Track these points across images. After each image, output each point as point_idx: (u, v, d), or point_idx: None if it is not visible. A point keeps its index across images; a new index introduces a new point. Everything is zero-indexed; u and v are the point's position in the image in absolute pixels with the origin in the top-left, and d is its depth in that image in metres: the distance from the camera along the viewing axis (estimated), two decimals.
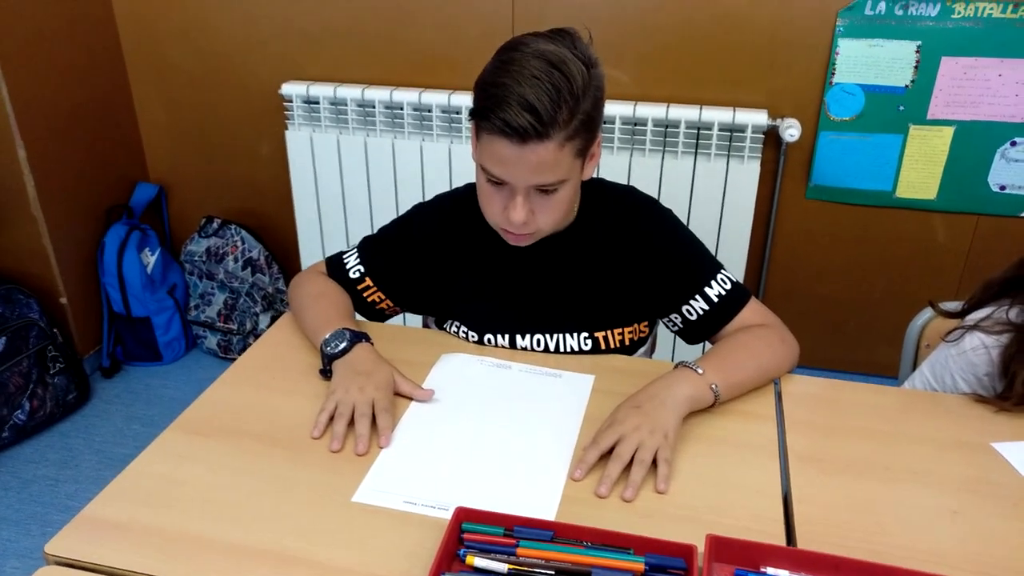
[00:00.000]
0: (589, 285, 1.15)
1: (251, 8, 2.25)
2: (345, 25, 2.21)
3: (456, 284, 1.18)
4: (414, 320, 1.39)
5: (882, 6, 1.94)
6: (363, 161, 2.27)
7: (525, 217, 1.01)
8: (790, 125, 2.02)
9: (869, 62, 2.01)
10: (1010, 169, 2.04)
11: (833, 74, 2.03)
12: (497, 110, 0.94)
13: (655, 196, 1.93)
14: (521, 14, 2.13)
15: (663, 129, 2.09)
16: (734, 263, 2.18)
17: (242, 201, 2.52)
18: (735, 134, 2.05)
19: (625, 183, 1.24)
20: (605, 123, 2.10)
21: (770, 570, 0.79)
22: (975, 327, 1.10)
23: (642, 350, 1.22)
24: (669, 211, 1.19)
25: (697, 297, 1.13)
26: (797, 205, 2.20)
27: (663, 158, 2.11)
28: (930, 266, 2.18)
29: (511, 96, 0.93)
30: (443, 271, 1.18)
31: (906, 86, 2.01)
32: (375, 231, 1.25)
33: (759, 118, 2.03)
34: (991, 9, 1.90)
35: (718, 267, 1.15)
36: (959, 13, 1.91)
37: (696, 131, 2.07)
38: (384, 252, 1.21)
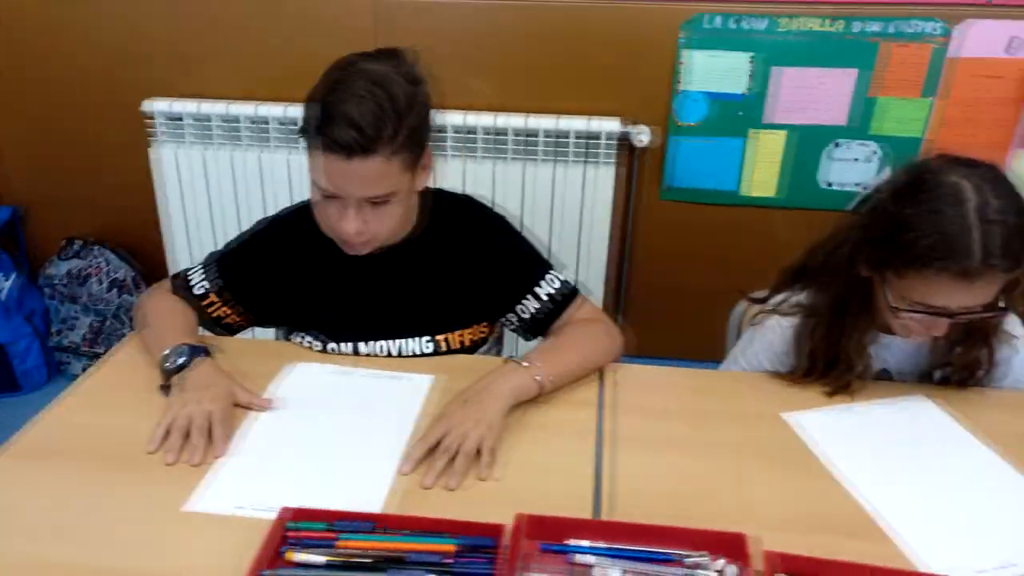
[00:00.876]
0: (428, 290, 1.21)
1: (111, 25, 2.21)
2: (208, 41, 2.21)
3: (300, 295, 1.22)
4: (265, 333, 1.41)
5: (718, 20, 2.09)
6: (230, 176, 2.27)
7: (358, 228, 1.06)
8: (641, 131, 2.15)
9: (710, 71, 2.15)
10: (835, 168, 2.23)
11: (679, 82, 2.17)
12: (324, 127, 0.99)
13: (519, 203, 2.01)
14: (384, 29, 2.18)
15: (524, 138, 2.18)
16: (596, 261, 2.30)
17: (106, 221, 2.46)
18: (591, 141, 2.16)
19: (463, 192, 1.31)
20: (470, 133, 2.18)
21: (573, 542, 0.86)
22: (773, 311, 1.22)
23: (483, 349, 1.29)
24: (502, 217, 1.26)
25: (529, 297, 1.21)
26: (653, 206, 2.33)
27: (524, 166, 2.20)
28: (773, 259, 2.35)
29: (336, 114, 0.98)
30: (287, 283, 1.21)
31: (743, 93, 2.17)
32: (220, 246, 1.27)
33: (612, 125, 2.14)
34: (813, 23, 2.08)
35: (548, 267, 1.23)
36: (785, 27, 2.08)
37: (555, 139, 2.17)
38: (229, 267, 1.23)
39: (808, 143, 2.21)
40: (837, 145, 2.20)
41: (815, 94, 2.15)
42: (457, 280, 1.21)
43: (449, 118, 2.16)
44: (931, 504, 0.94)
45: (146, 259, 2.47)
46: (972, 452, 1.03)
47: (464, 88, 2.21)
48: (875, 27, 2.06)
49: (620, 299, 2.46)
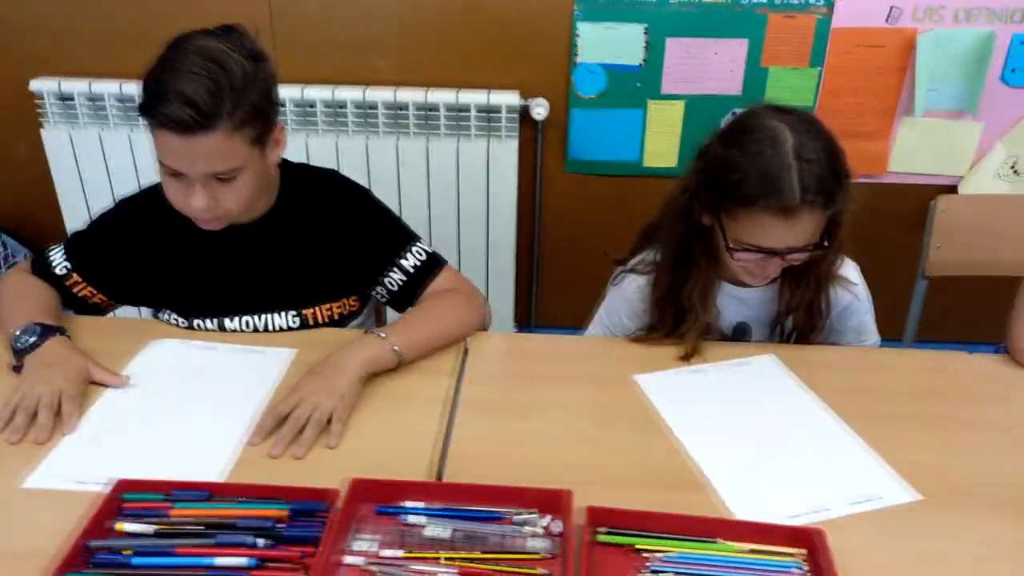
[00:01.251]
0: (292, 264, 1.22)
1: None
2: (96, 17, 2.15)
3: (163, 273, 1.22)
4: (132, 311, 1.41)
5: None
6: (129, 157, 2.23)
7: (206, 204, 1.07)
8: (539, 104, 2.17)
9: (606, 43, 2.18)
10: None
11: (576, 55, 2.19)
12: (159, 105, 0.99)
13: (424, 178, 2.01)
14: (280, 6, 2.15)
15: (425, 113, 2.18)
16: (504, 234, 2.32)
17: (2, 205, 2.40)
18: (492, 115, 2.18)
19: (330, 167, 1.31)
20: (373, 109, 2.17)
21: (410, 504, 0.89)
22: (631, 270, 1.27)
23: (356, 323, 1.31)
24: (366, 191, 1.28)
25: (394, 269, 1.23)
26: (558, 178, 2.36)
27: (427, 140, 2.20)
28: None
29: (171, 91, 0.98)
30: (150, 262, 1.21)
31: (640, 64, 2.20)
32: (84, 226, 1.26)
33: (512, 99, 2.16)
34: None
35: (413, 239, 1.25)
36: None
37: (456, 113, 2.18)
38: (91, 246, 1.22)
39: (705, 113, 2.25)
40: (733, 115, 2.25)
41: (709, 64, 2.20)
42: (320, 254, 1.22)
43: (349, 94, 2.16)
44: (757, 457, 0.99)
45: (45, 242, 2.41)
46: (805, 408, 1.09)
47: (364, 64, 2.21)
48: None
49: (533, 271, 2.50)
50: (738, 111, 2.23)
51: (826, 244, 1.11)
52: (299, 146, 2.20)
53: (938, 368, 1.18)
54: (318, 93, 2.16)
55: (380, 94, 2.16)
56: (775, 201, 1.04)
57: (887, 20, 2.11)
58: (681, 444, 1.01)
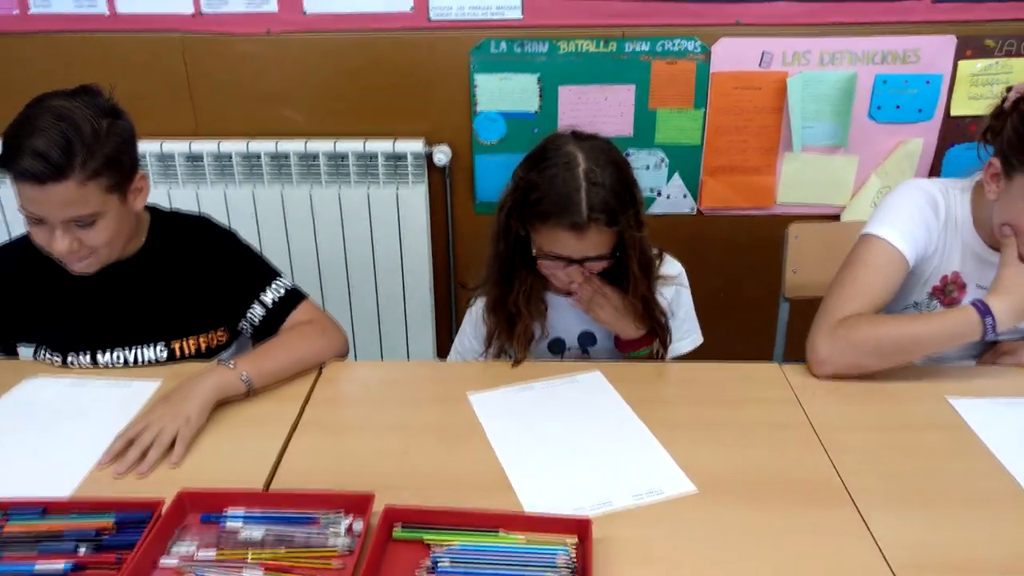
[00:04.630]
0: (160, 300, 1.33)
1: None
2: (16, 80, 2.28)
3: (37, 312, 1.32)
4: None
5: (503, 45, 2.27)
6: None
7: (67, 246, 1.18)
8: (441, 151, 2.31)
9: (503, 92, 2.33)
10: None
11: (476, 104, 2.34)
12: (15, 160, 1.11)
13: (338, 225, 2.13)
14: (194, 65, 2.29)
15: (335, 162, 2.31)
16: (419, 275, 2.44)
17: None
18: (399, 162, 2.32)
19: (198, 213, 1.43)
20: (286, 159, 2.30)
21: (231, 510, 0.99)
22: (480, 294, 1.39)
23: (226, 354, 1.41)
24: (231, 233, 1.40)
25: (256, 304, 1.34)
26: (469, 219, 2.49)
27: (339, 188, 2.33)
28: None
29: (23, 147, 1.11)
30: (24, 302, 1.32)
31: (536, 111, 2.35)
32: None
33: (416, 147, 2.30)
34: (589, 46, 2.27)
35: (273, 276, 1.37)
36: (564, 49, 2.27)
37: (365, 162, 2.31)
38: None
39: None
40: (628, 154, 2.40)
41: (601, 109, 2.35)
42: (186, 290, 1.34)
43: (263, 146, 2.29)
44: (559, 461, 1.10)
45: None
46: (616, 416, 1.20)
47: (275, 117, 2.35)
48: (644, 47, 2.26)
49: (450, 307, 2.61)
50: (631, 151, 2.39)
51: (617, 255, 1.25)
52: (217, 196, 2.33)
53: (744, 378, 1.30)
54: (233, 146, 2.29)
55: (292, 145, 2.30)
56: (567, 218, 1.19)
57: (760, 64, 2.28)
58: (494, 452, 1.11)
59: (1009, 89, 1.24)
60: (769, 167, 2.40)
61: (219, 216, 2.31)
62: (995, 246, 1.28)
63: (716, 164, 2.40)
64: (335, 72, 2.29)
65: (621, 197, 1.21)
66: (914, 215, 1.31)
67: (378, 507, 0.96)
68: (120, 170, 1.19)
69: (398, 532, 0.95)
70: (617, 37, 2.25)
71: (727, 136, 2.37)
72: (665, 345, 1.37)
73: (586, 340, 1.42)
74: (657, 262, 1.37)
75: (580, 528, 0.94)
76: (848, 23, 2.21)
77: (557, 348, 1.43)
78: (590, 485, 1.05)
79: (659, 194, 2.45)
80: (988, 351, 1.37)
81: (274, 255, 2.38)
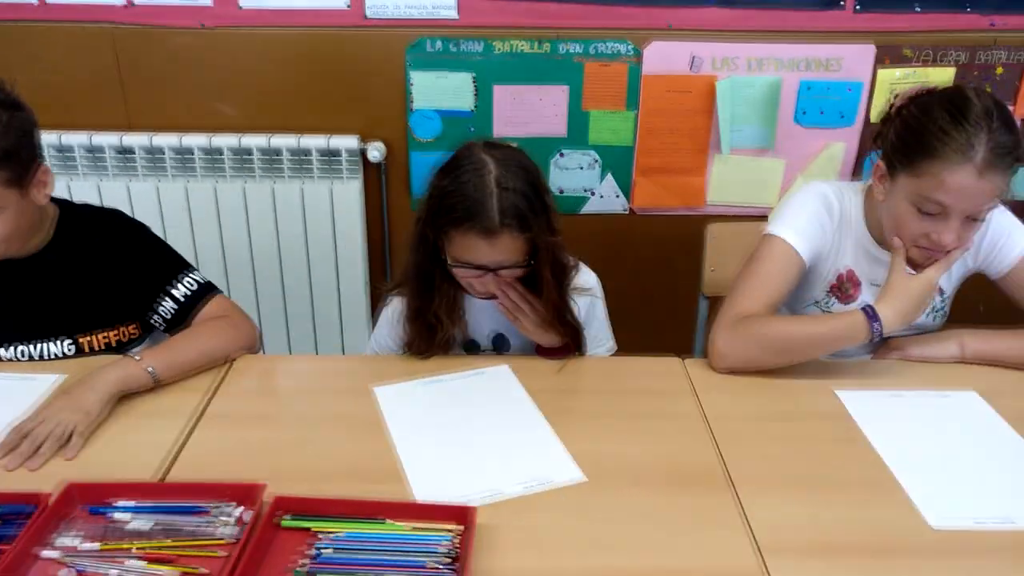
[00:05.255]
0: (66, 294, 1.33)
1: None
2: None
3: None
4: None
5: (439, 44, 2.29)
6: None
7: None
8: (375, 148, 2.32)
9: (439, 90, 2.35)
10: (563, 175, 2.46)
11: (412, 101, 2.36)
12: None
13: (272, 220, 2.11)
14: (125, 58, 2.27)
15: (269, 157, 2.31)
16: (354, 270, 2.45)
17: None
18: (333, 158, 2.32)
19: (113, 207, 1.42)
20: (219, 154, 2.29)
21: (119, 502, 0.99)
22: (397, 293, 1.41)
23: (137, 349, 1.41)
24: (141, 226, 1.39)
25: (166, 298, 1.35)
26: (405, 216, 2.50)
27: (273, 183, 2.33)
28: None
29: None
30: None
31: (471, 110, 2.37)
32: None
33: (351, 143, 2.31)
34: (523, 46, 2.30)
35: (184, 269, 1.37)
36: (499, 49, 2.30)
37: (299, 157, 2.31)
38: None
39: (535, 153, 2.40)
40: (562, 155, 2.44)
41: (535, 109, 2.38)
42: (94, 283, 1.33)
43: (196, 140, 2.27)
44: (454, 451, 1.12)
45: None
46: (518, 408, 1.23)
47: (209, 111, 2.33)
48: (577, 48, 2.30)
49: None
50: (564, 151, 2.43)
51: (531, 262, 1.27)
52: (149, 191, 2.31)
53: (647, 372, 1.34)
54: (166, 140, 2.27)
55: (226, 140, 2.29)
56: (479, 223, 1.20)
57: (690, 68, 2.33)
58: (392, 444, 1.13)
59: (896, 96, 1.29)
60: (699, 168, 2.46)
61: (151, 211, 2.31)
62: (885, 245, 1.34)
63: (648, 165, 2.44)
64: (270, 67, 2.29)
65: (532, 203, 1.24)
66: (810, 216, 1.36)
67: (272, 498, 0.97)
68: (20, 164, 1.18)
69: (286, 521, 0.97)
70: (551, 38, 2.29)
71: (659, 137, 2.41)
72: (581, 353, 1.40)
73: (499, 342, 1.44)
74: (573, 272, 1.39)
75: (463, 516, 0.96)
76: (774, 30, 2.27)
77: (471, 349, 1.45)
78: (481, 475, 1.07)
79: (592, 194, 2.49)
80: (882, 346, 1.42)
81: (207, 251, 2.39)
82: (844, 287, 1.41)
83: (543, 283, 1.30)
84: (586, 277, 1.43)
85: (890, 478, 1.08)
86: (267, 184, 2.33)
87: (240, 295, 2.45)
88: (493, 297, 1.33)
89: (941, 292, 1.43)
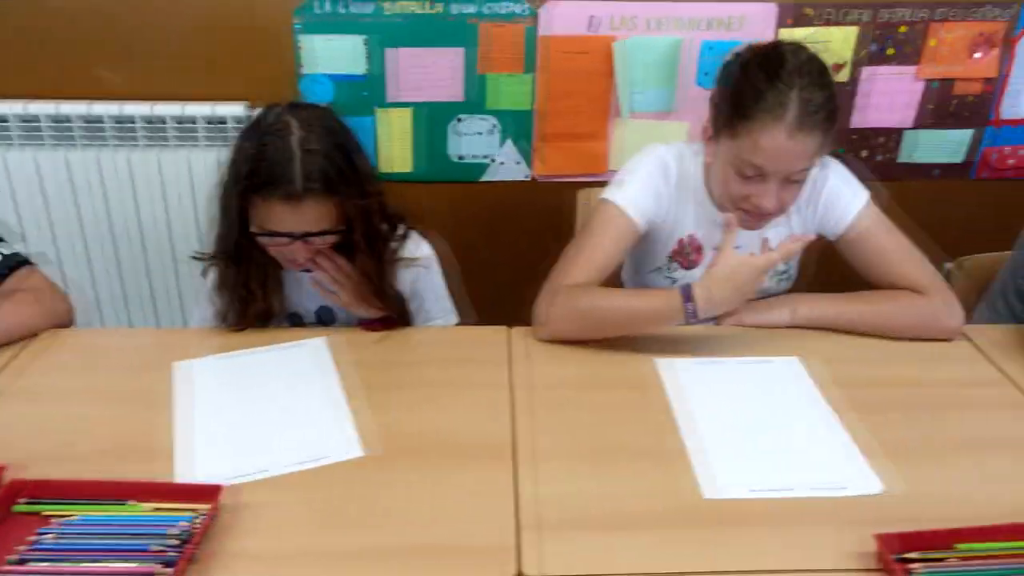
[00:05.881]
0: None
1: None
2: None
3: None
4: None
5: (328, 5, 2.21)
6: None
7: None
8: None
9: (329, 54, 2.27)
10: (462, 142, 2.39)
11: (302, 66, 2.28)
12: None
13: (160, 190, 2.02)
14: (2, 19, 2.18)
15: (153, 126, 2.23)
16: None
17: None
18: (220, 125, 2.24)
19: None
20: (100, 123, 2.21)
21: None
22: (212, 264, 1.35)
23: None
24: None
25: None
26: None
27: (159, 152, 2.26)
28: (423, 227, 2.50)
29: None
30: None
31: (364, 74, 2.29)
32: None
33: (237, 110, 2.23)
34: (414, 6, 2.22)
35: None
36: (389, 10, 2.22)
37: (184, 125, 2.24)
38: None
39: (433, 119, 2.36)
40: (460, 120, 2.37)
41: (431, 73, 2.30)
42: None
43: (75, 108, 2.19)
44: (239, 428, 1.08)
45: None
46: (324, 383, 1.18)
47: (89, 77, 2.25)
48: (471, 9, 2.22)
49: None
50: (462, 117, 2.36)
51: (342, 228, 1.21)
52: (27, 161, 2.23)
53: (472, 340, 1.29)
54: (42, 108, 2.19)
55: (107, 108, 2.21)
56: (281, 188, 1.14)
57: (588, 28, 2.25)
58: (173, 421, 1.08)
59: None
60: (601, 133, 2.39)
61: (30, 184, 2.23)
62: (724, 208, 1.29)
63: (549, 130, 2.38)
64: (153, 32, 2.20)
65: (340, 166, 1.17)
66: (645, 181, 1.31)
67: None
68: None
69: (18, 506, 0.92)
70: None
71: (560, 101, 2.34)
72: (406, 324, 1.34)
73: (325, 315, 1.38)
74: (399, 240, 1.34)
75: (211, 495, 0.92)
76: None
77: (295, 324, 1.40)
78: (257, 453, 1.03)
79: (493, 160, 2.42)
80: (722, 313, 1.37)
81: (92, 224, 2.32)
82: (686, 252, 1.36)
83: (357, 251, 1.24)
84: (417, 247, 1.37)
85: (679, 449, 1.04)
86: (152, 153, 2.26)
87: (129, 270, 2.39)
88: (308, 270, 1.27)
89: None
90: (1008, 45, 2.28)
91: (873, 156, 2.45)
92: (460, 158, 2.42)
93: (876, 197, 1.34)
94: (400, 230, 1.36)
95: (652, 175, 1.31)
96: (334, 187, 1.16)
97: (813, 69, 1.12)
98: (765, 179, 1.15)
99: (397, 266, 1.33)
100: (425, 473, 0.99)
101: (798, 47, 1.15)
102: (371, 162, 1.26)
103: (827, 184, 1.30)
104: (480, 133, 2.39)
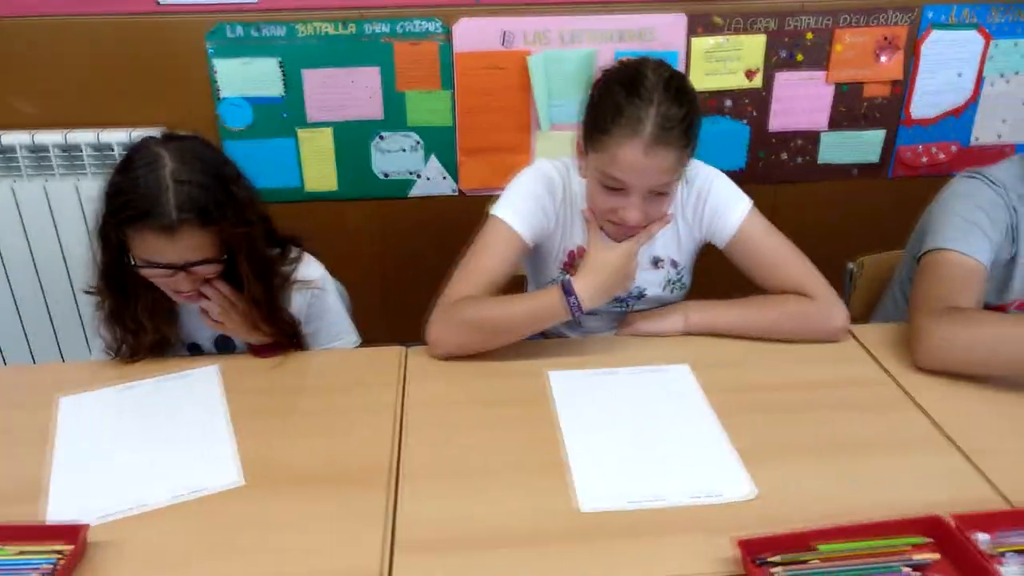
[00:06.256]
0: None
1: None
2: None
3: None
4: None
5: (240, 29, 2.20)
6: None
7: None
8: None
9: (245, 77, 2.26)
10: (386, 159, 2.40)
11: (219, 90, 2.26)
12: None
13: (80, 219, 1.95)
14: None
15: (68, 154, 2.21)
16: None
17: None
18: None
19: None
20: (10, 151, 2.18)
21: None
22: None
23: None
24: None
25: None
26: None
27: (76, 180, 2.23)
28: (344, 249, 2.50)
29: None
30: None
31: (282, 96, 2.29)
32: None
33: (154, 134, 2.20)
34: (327, 28, 2.22)
35: None
36: (303, 32, 2.22)
37: (100, 153, 2.21)
38: None
39: (355, 138, 2.36)
40: (382, 138, 2.37)
41: (350, 92, 2.31)
42: None
43: None
44: (119, 462, 1.07)
45: None
46: (206, 410, 1.17)
47: (3, 106, 2.22)
48: (384, 28, 2.23)
49: None
50: (384, 134, 2.37)
51: (225, 258, 1.20)
52: None
53: (367, 362, 1.30)
54: None
55: (19, 137, 2.18)
56: (155, 220, 1.14)
57: (503, 44, 2.27)
58: (52, 460, 1.07)
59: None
60: (523, 146, 2.41)
61: None
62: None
63: (471, 145, 2.39)
64: (66, 59, 2.18)
65: (215, 194, 1.17)
66: (528, 196, 1.33)
67: None
68: None
69: None
70: (356, 19, 2.21)
71: (479, 116, 2.36)
72: (300, 349, 1.34)
73: (224, 343, 1.37)
74: (291, 264, 1.33)
75: (71, 535, 0.91)
76: (585, 2, 2.23)
77: (195, 353, 1.38)
78: (132, 487, 1.02)
79: (419, 176, 2.43)
80: (621, 323, 1.40)
81: (12, 256, 2.28)
82: (576, 264, 1.38)
83: (242, 279, 1.24)
84: (309, 269, 1.37)
85: (562, 463, 1.05)
86: (69, 182, 2.23)
87: (54, 299, 2.35)
88: (196, 300, 1.26)
89: (675, 265, 1.41)
90: (912, 48, 2.35)
91: (793, 159, 2.50)
92: (385, 175, 2.42)
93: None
94: (293, 253, 1.35)
95: (537, 190, 1.33)
96: (210, 216, 1.16)
97: (672, 86, 1.14)
98: (628, 193, 1.17)
99: (290, 289, 1.33)
100: (304, 501, 0.99)
101: (660, 64, 1.18)
102: (251, 189, 1.25)
103: (711, 194, 1.33)
104: (404, 150, 2.40)
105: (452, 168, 2.43)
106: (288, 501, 0.99)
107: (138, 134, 2.20)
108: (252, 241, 1.23)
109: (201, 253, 1.18)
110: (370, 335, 2.33)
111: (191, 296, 1.25)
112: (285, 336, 1.31)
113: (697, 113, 1.17)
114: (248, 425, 1.13)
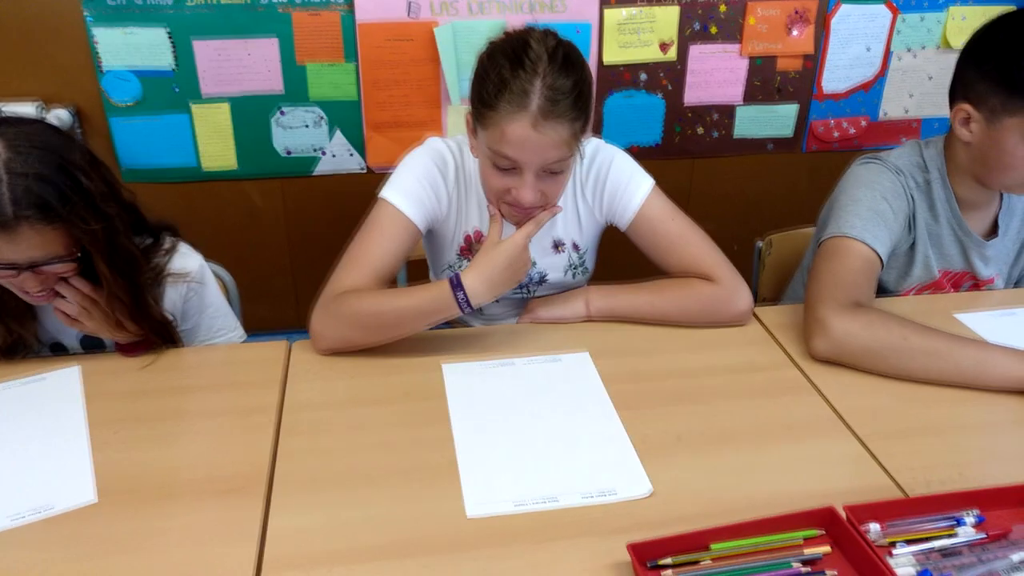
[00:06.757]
0: None
1: None
2: None
3: None
4: None
5: None
6: None
7: None
8: (57, 114, 2.06)
9: (130, 48, 2.10)
10: (288, 135, 2.27)
11: (100, 62, 2.10)
12: None
13: None
14: None
15: None
16: None
17: None
18: None
19: None
20: None
21: None
22: None
23: None
24: None
25: None
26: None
27: None
28: (248, 232, 2.38)
29: None
30: None
31: (172, 68, 2.14)
32: None
33: (27, 108, 2.04)
34: None
35: None
36: (192, 1, 2.06)
37: None
38: None
39: (253, 113, 2.23)
40: (283, 113, 2.25)
41: (247, 64, 2.17)
42: None
43: None
44: None
45: None
46: (63, 417, 1.07)
47: None
48: None
49: None
50: (285, 109, 2.24)
51: (77, 255, 1.09)
52: None
53: (258, 359, 1.20)
54: None
55: None
56: None
57: (408, 14, 2.17)
58: None
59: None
60: (435, 120, 2.32)
61: None
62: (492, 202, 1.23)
63: (378, 119, 2.29)
64: None
65: (60, 187, 1.03)
66: (419, 177, 1.25)
67: None
68: None
69: None
70: None
71: (386, 90, 2.26)
72: (175, 346, 1.23)
73: (91, 342, 1.26)
74: (165, 256, 1.22)
75: None
76: None
77: (59, 353, 1.26)
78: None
79: (324, 153, 2.32)
80: (523, 311, 1.34)
81: None
82: (474, 248, 1.31)
83: (100, 277, 1.12)
84: (186, 261, 1.25)
85: (451, 465, 0.99)
86: None
87: None
88: (51, 300, 1.14)
89: (577, 248, 1.35)
90: (823, 21, 2.34)
91: (709, 132, 2.48)
92: (288, 152, 2.30)
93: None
94: (166, 243, 1.24)
95: (428, 172, 1.25)
96: (53, 212, 1.03)
97: (558, 56, 1.07)
98: (521, 171, 1.10)
99: (164, 283, 1.22)
100: (166, 518, 0.91)
101: (546, 33, 1.10)
102: (108, 178, 1.13)
103: (611, 173, 1.27)
104: (307, 125, 2.28)
105: (359, 144, 2.32)
106: (147, 519, 0.90)
107: (9, 109, 2.02)
108: (111, 235, 1.11)
109: (47, 251, 1.06)
110: (283, 322, 2.22)
111: (44, 296, 1.13)
112: (153, 332, 1.20)
113: (588, 83, 1.10)
114: (108, 433, 1.03)
